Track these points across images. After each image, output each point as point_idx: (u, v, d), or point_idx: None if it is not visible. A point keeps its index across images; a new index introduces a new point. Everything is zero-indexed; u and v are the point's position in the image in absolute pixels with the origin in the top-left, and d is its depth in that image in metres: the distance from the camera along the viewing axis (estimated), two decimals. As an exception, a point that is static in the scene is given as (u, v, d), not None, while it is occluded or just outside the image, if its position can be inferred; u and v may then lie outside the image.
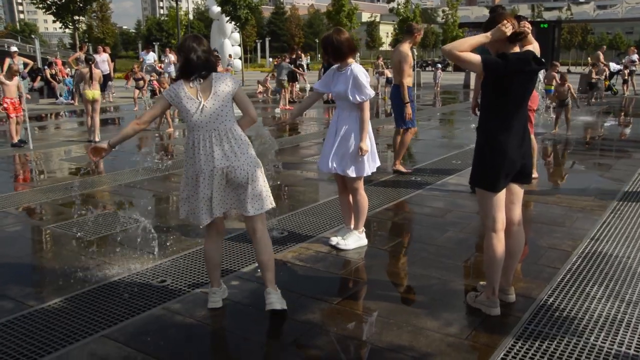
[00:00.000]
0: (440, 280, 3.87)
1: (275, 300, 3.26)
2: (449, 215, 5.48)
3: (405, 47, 6.88)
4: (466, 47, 2.99)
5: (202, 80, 3.23)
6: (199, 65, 3.20)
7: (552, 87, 11.39)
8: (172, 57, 22.00)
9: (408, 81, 6.91)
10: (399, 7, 42.23)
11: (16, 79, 9.94)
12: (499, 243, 3.19)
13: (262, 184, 3.28)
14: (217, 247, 3.44)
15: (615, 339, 2.98)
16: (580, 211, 5.45)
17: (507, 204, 3.25)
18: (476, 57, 2.99)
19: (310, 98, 4.74)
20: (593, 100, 17.35)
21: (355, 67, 4.16)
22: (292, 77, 20.28)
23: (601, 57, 19.06)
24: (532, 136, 6.60)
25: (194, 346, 2.98)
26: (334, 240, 4.49)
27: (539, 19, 33.98)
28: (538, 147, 6.87)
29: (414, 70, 7.40)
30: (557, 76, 10.72)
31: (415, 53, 6.89)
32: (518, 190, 3.28)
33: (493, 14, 6.07)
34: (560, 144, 9.68)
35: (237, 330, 3.20)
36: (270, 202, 3.31)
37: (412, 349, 2.91)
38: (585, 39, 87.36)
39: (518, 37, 3.07)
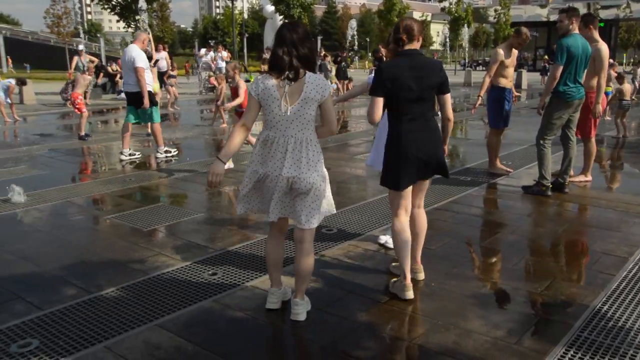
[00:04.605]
0: (488, 282, 3.81)
1: (302, 311, 3.22)
2: (498, 217, 5.38)
3: (499, 47, 6.80)
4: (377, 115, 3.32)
5: (292, 83, 2.93)
6: (286, 62, 2.89)
7: (610, 89, 11.01)
8: (225, 53, 22.59)
9: (502, 82, 6.73)
10: (451, 6, 41.51)
11: (88, 76, 10.60)
12: (401, 226, 3.47)
13: (323, 199, 3.11)
14: (278, 246, 3.29)
15: (675, 352, 2.86)
16: (637, 216, 5.23)
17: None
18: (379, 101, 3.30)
19: (358, 88, 4.79)
20: None
21: None
22: (343, 75, 20.27)
23: None
24: (593, 140, 6.40)
25: (241, 340, 3.05)
26: (383, 238, 4.49)
27: (595, 18, 32.65)
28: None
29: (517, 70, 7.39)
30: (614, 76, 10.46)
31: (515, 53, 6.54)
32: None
33: (563, 14, 5.76)
34: (616, 147, 9.30)
35: (284, 326, 3.26)
36: (331, 209, 3.22)
37: (459, 352, 2.89)
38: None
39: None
